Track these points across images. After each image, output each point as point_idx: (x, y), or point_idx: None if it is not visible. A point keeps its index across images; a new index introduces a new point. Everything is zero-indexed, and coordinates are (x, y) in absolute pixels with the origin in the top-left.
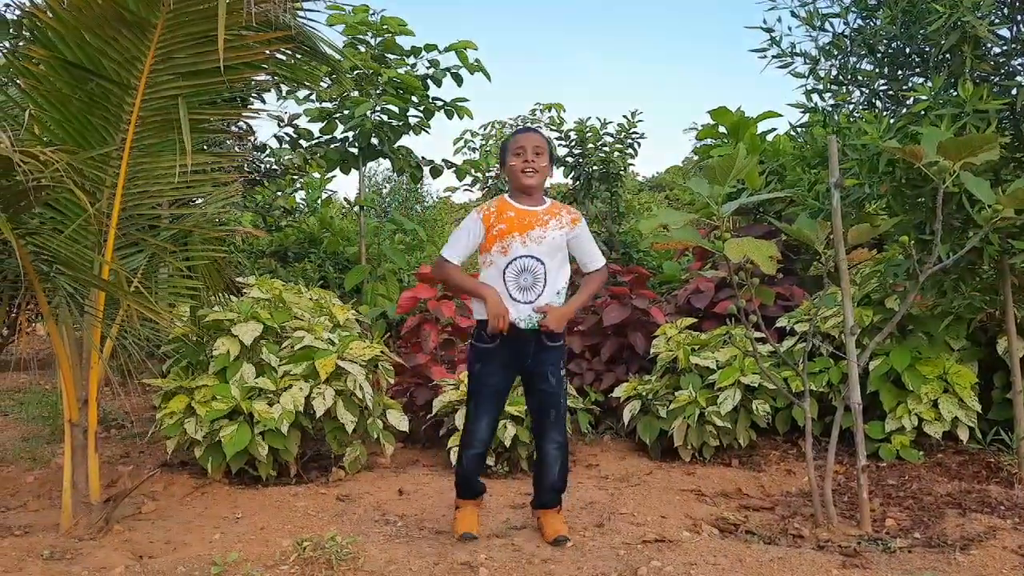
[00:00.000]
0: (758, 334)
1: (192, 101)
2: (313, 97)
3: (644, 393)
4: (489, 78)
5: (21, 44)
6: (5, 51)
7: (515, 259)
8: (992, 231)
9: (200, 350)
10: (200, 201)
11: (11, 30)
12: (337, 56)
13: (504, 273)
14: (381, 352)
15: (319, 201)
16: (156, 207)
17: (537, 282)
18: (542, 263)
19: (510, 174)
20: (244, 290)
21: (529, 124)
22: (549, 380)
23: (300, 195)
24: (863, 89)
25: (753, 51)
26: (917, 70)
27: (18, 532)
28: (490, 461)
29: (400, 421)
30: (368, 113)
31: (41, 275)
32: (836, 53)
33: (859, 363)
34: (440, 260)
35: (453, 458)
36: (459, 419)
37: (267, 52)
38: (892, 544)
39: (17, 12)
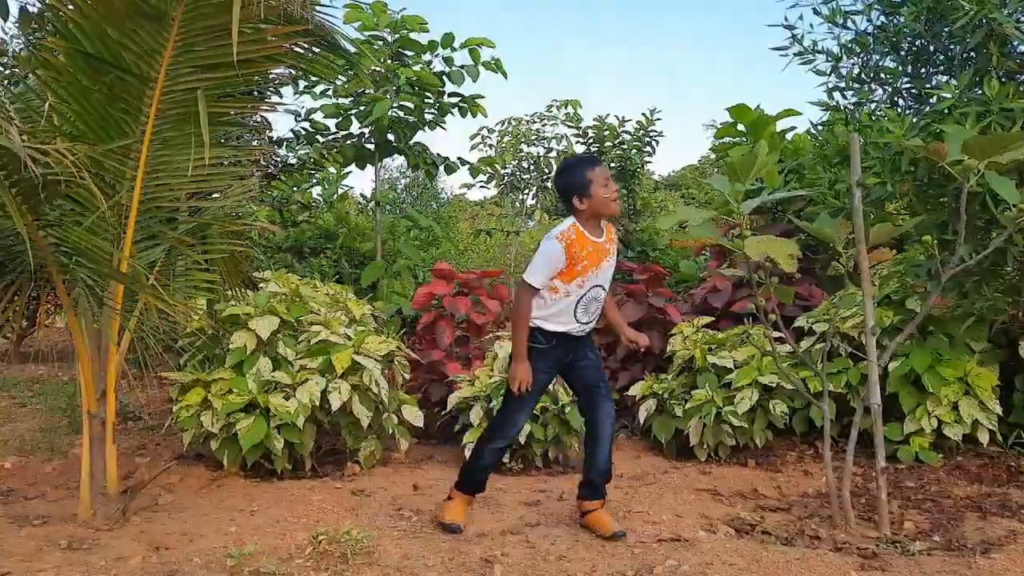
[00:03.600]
0: (777, 333)
1: (211, 94)
2: (330, 93)
3: (660, 392)
4: (505, 76)
5: (42, 36)
6: (27, 44)
7: (590, 289)
8: (1016, 231)
9: (217, 344)
10: (218, 195)
11: (33, 23)
12: (354, 50)
13: (577, 304)
14: (397, 347)
15: (335, 197)
16: (175, 200)
17: (599, 306)
18: (604, 289)
19: (598, 203)
20: (260, 285)
21: (548, 118)
22: (589, 356)
23: (316, 191)
24: (886, 87)
25: (774, 49)
26: (941, 68)
27: (36, 522)
28: (504, 458)
29: (415, 417)
30: (387, 109)
31: (61, 267)
32: (859, 51)
33: (879, 364)
34: (524, 285)
35: (468, 454)
36: (474, 415)
37: (285, 46)
38: (911, 547)
39: (39, 5)
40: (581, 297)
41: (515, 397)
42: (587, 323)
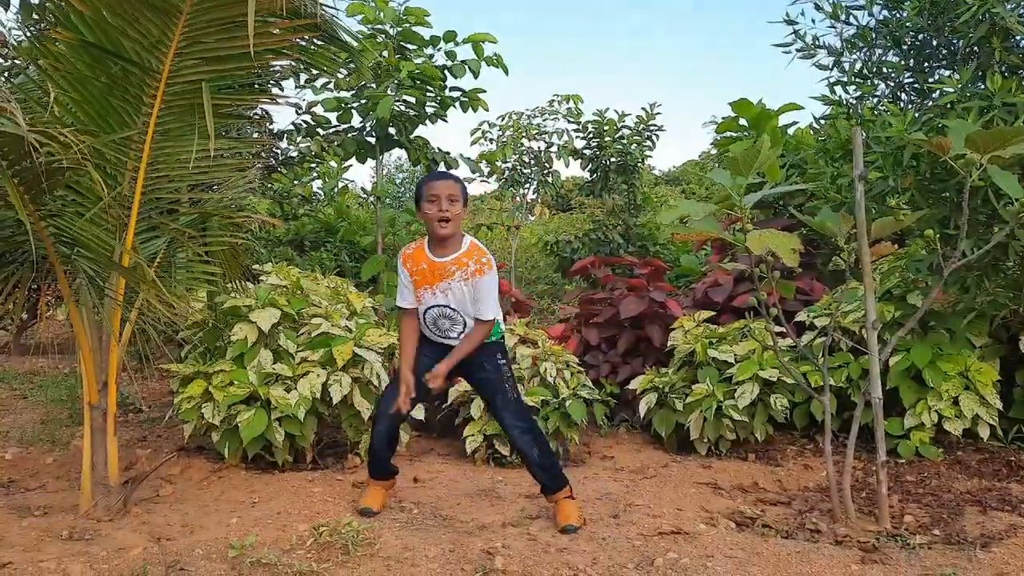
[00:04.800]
0: (778, 328)
1: (214, 86)
2: (331, 86)
3: (661, 386)
4: (506, 72)
5: (43, 26)
6: (29, 33)
7: (429, 308)
8: (1018, 226)
9: (218, 336)
10: (219, 186)
11: (34, 13)
12: (355, 43)
13: (424, 318)
14: (398, 340)
15: (336, 190)
16: (176, 192)
17: (456, 325)
18: (458, 312)
19: (425, 221)
20: (261, 277)
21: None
22: (485, 368)
23: (317, 184)
24: (888, 82)
25: (776, 46)
26: (944, 62)
27: (37, 513)
28: (504, 451)
29: (416, 410)
30: (390, 106)
31: (62, 258)
32: (861, 46)
33: (880, 358)
34: (396, 309)
35: (468, 447)
36: (475, 409)
37: (291, 39)
38: (911, 541)
39: None
40: (424, 313)
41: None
42: (447, 339)
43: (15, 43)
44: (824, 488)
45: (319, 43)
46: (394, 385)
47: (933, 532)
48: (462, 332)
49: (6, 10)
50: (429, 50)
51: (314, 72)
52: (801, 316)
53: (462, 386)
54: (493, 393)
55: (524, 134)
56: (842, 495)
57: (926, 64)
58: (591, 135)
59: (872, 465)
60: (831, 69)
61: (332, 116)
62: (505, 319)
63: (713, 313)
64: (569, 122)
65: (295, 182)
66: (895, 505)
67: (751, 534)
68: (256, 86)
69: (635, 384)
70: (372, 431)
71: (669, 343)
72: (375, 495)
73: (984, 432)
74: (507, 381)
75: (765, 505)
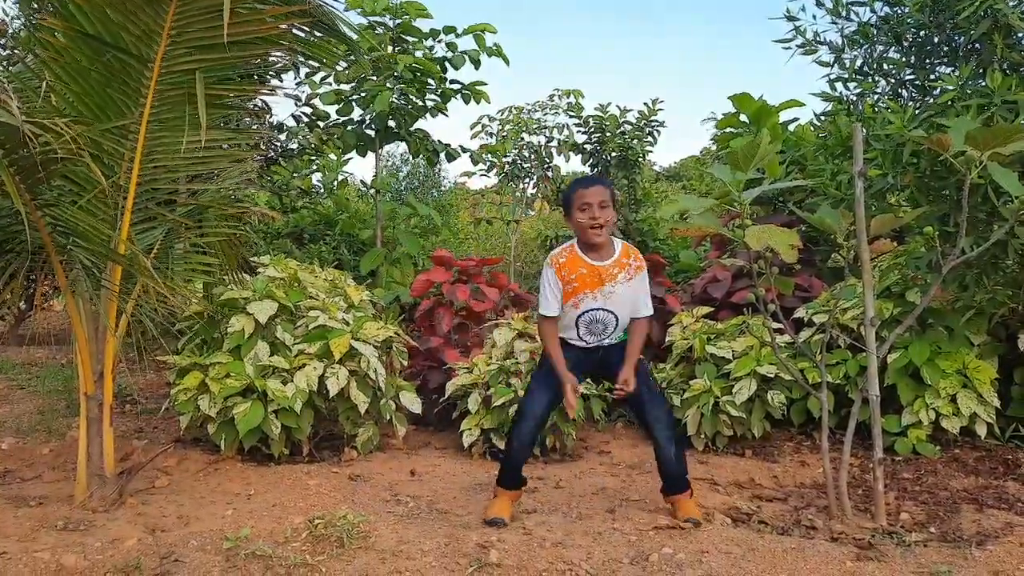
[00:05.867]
0: (776, 324)
1: (210, 76)
2: (330, 79)
3: (658, 381)
4: (507, 62)
5: (41, 16)
6: (26, 24)
7: (586, 312)
8: (1018, 224)
9: (215, 328)
10: (217, 177)
11: (33, 3)
12: (354, 35)
13: (577, 323)
14: (395, 333)
15: (335, 183)
16: (173, 182)
17: (608, 328)
18: (613, 314)
19: (578, 229)
20: (259, 269)
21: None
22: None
23: (316, 176)
24: (889, 79)
25: (777, 42)
26: (945, 59)
27: (33, 503)
28: (501, 444)
29: (413, 403)
30: (389, 100)
31: (58, 248)
32: (862, 42)
33: (878, 355)
34: (540, 318)
35: (465, 441)
36: (472, 402)
37: (284, 26)
38: (907, 538)
39: None
40: (578, 318)
41: (529, 387)
42: (597, 344)
43: (14, 32)
44: (820, 485)
45: (318, 35)
46: (540, 387)
47: (929, 530)
48: (610, 336)
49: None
50: (429, 42)
51: (313, 64)
52: (800, 313)
53: (459, 380)
54: (640, 383)
55: (524, 128)
56: (838, 492)
57: (927, 61)
58: (592, 130)
59: (869, 462)
60: (832, 65)
61: (332, 109)
62: (504, 314)
63: (711, 309)
64: (570, 117)
65: (294, 175)
66: (891, 502)
67: (747, 530)
68: (255, 77)
69: None
70: (513, 432)
71: (667, 339)
72: (505, 505)
73: (981, 430)
74: (647, 373)
75: (761, 501)
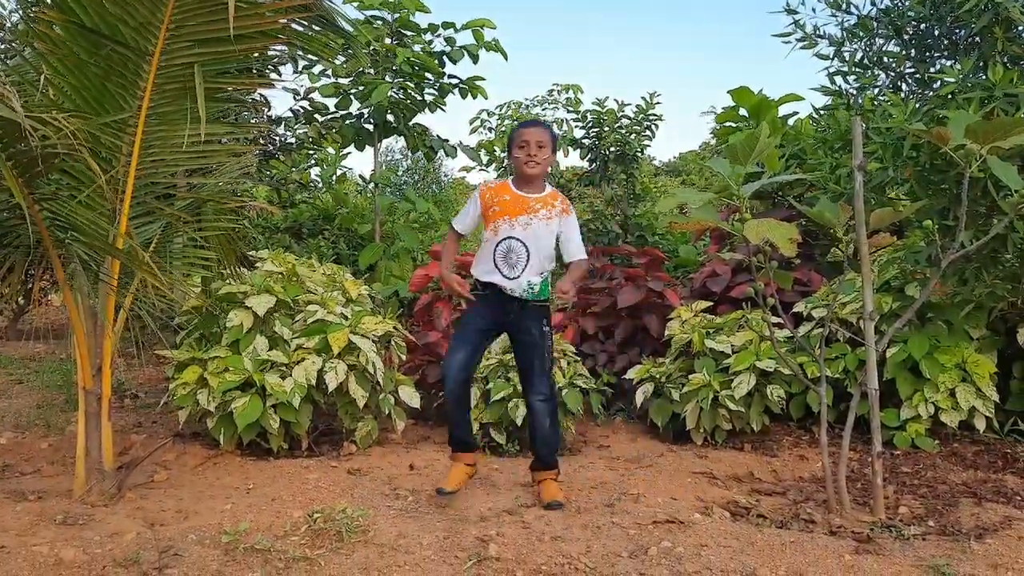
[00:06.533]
0: (775, 319)
1: (208, 70)
2: (328, 73)
3: (657, 376)
4: (506, 57)
5: (38, 8)
6: (24, 16)
7: (504, 239)
8: (1017, 218)
9: (213, 322)
10: (215, 171)
11: None
12: (352, 29)
13: (495, 253)
14: (394, 328)
15: (334, 177)
16: (172, 176)
17: (520, 260)
18: (526, 247)
19: (514, 163)
20: (257, 264)
21: (548, 103)
22: (532, 332)
23: (315, 171)
24: (889, 72)
25: (776, 36)
26: (945, 52)
27: (32, 497)
28: (500, 439)
29: (412, 397)
30: (386, 93)
31: (56, 242)
32: (862, 35)
33: (877, 350)
34: (449, 229)
35: None
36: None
37: (283, 21)
38: (906, 532)
39: None
40: (496, 246)
41: (453, 340)
42: (513, 277)
43: (13, 25)
44: (819, 479)
45: (317, 29)
46: (458, 345)
47: (928, 523)
48: (522, 273)
49: None
50: (428, 36)
51: (312, 58)
52: (799, 307)
53: None
54: (532, 357)
55: None
56: (837, 486)
57: (927, 54)
58: (590, 124)
59: (868, 456)
60: (831, 59)
61: (331, 103)
62: None
63: (711, 303)
64: (568, 111)
65: (292, 168)
66: (890, 496)
67: (746, 524)
68: (254, 71)
69: (632, 374)
70: (445, 376)
71: (666, 333)
72: (457, 474)
73: (980, 424)
74: (548, 349)
75: (760, 495)
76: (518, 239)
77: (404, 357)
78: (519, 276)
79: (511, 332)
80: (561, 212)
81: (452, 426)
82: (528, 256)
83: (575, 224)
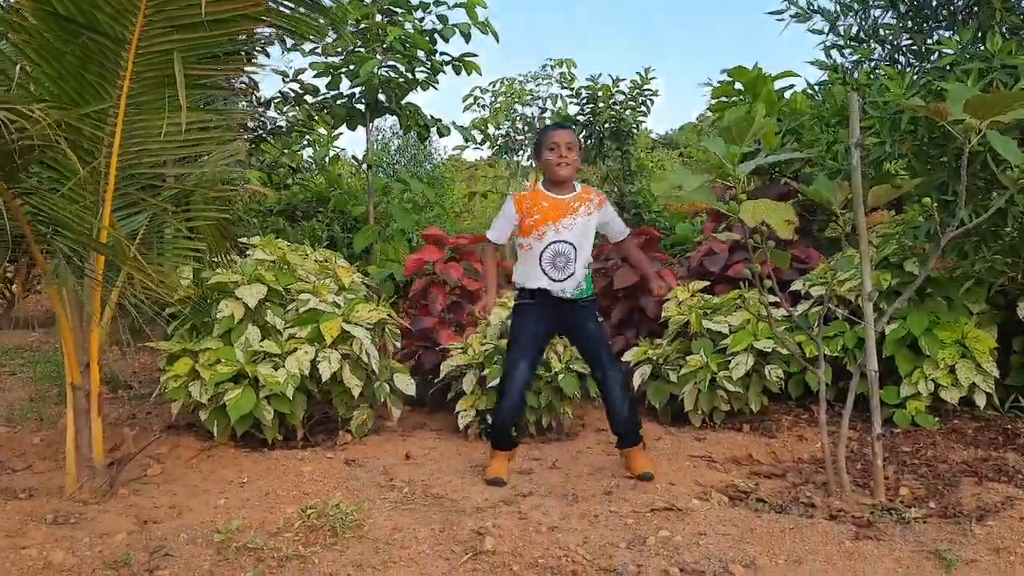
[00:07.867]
0: (772, 298)
1: (189, 56)
2: (318, 51)
3: (654, 357)
4: (497, 38)
5: None
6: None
7: (549, 244)
8: (1017, 192)
9: (205, 312)
10: (203, 160)
11: None
12: (332, 3)
13: (541, 258)
14: (388, 315)
15: (327, 159)
16: (158, 166)
17: (569, 261)
18: (573, 246)
19: (545, 167)
20: (247, 251)
21: (542, 78)
22: (589, 327)
23: (307, 152)
24: (885, 44)
25: (770, 13)
26: (943, 23)
27: (22, 495)
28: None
29: (407, 385)
30: (375, 69)
31: (39, 236)
32: (856, 8)
33: (876, 327)
34: (486, 242)
35: (461, 422)
36: (467, 383)
37: (265, 3)
38: (906, 514)
39: None
40: (542, 252)
41: (509, 351)
42: (561, 280)
43: None
44: (819, 460)
45: (303, 11)
46: (518, 350)
47: (928, 505)
48: (572, 274)
49: None
50: (419, 14)
51: (298, 38)
52: (797, 285)
53: (454, 360)
54: (599, 348)
55: (517, 100)
56: (837, 467)
57: (924, 25)
58: (585, 101)
59: (868, 436)
60: (826, 33)
61: (321, 83)
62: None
63: (708, 283)
64: (562, 88)
65: (283, 152)
66: (890, 477)
67: (745, 509)
68: (241, 54)
69: (629, 356)
70: (496, 407)
71: (663, 314)
72: (501, 464)
73: (981, 400)
74: (607, 336)
75: (759, 478)
76: (566, 241)
77: (399, 344)
78: (568, 278)
79: (569, 332)
80: (598, 204)
81: (502, 430)
82: (576, 256)
83: (612, 210)
